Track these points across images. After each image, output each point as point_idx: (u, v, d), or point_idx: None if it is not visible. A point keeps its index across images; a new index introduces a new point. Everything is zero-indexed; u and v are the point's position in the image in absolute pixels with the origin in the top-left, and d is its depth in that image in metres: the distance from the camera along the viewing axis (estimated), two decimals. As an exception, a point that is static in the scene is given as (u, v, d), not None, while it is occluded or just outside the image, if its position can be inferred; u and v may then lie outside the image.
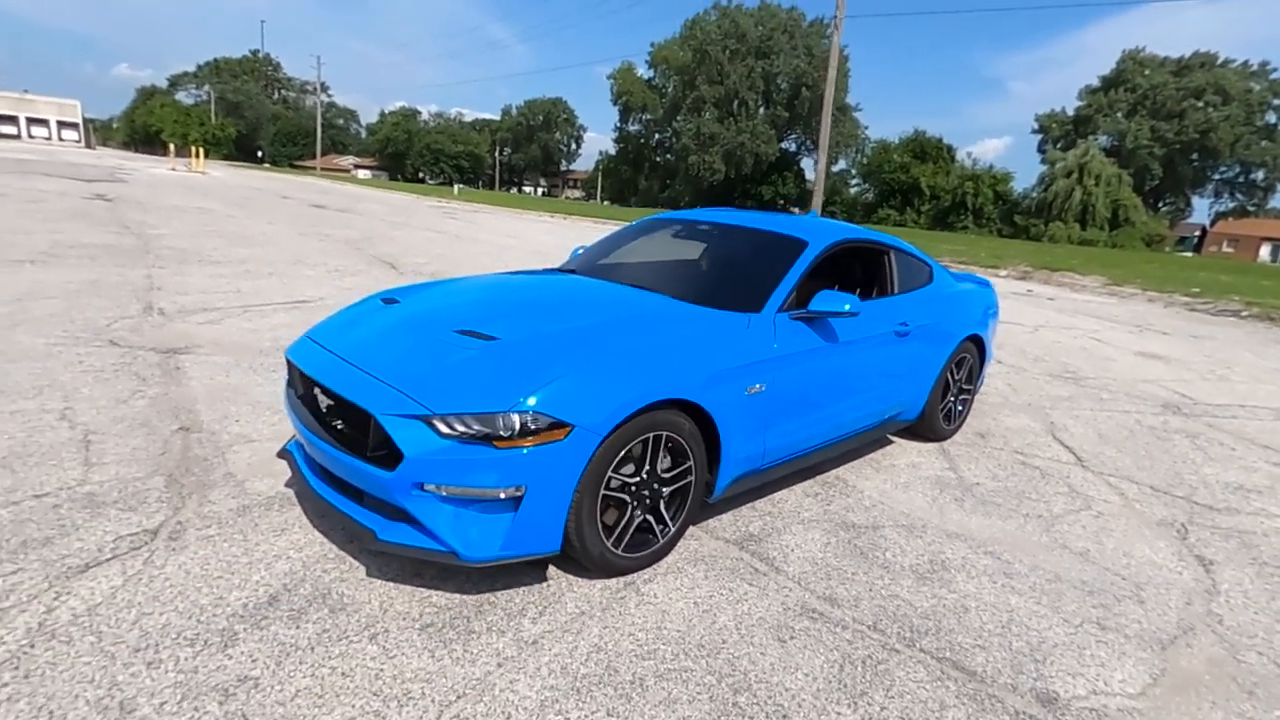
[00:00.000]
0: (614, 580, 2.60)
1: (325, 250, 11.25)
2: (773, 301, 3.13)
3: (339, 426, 2.52)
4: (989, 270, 16.33)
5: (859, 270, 3.96)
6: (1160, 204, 61.31)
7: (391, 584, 2.47)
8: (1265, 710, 2.19)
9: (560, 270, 4.01)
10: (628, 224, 4.40)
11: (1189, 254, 52.60)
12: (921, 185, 52.56)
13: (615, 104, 75.14)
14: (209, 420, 3.82)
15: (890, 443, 4.32)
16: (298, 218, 16.95)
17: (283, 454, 2.98)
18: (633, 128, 76.81)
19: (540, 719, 1.91)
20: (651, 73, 72.21)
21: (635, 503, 2.59)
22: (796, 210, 68.49)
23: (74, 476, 3.04)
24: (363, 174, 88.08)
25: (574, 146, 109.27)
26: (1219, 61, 57.74)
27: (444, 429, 2.24)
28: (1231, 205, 64.26)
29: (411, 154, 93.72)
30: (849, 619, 2.48)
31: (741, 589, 2.61)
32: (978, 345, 4.50)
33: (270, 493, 3.06)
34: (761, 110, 63.91)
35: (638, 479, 2.57)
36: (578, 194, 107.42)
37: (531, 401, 2.26)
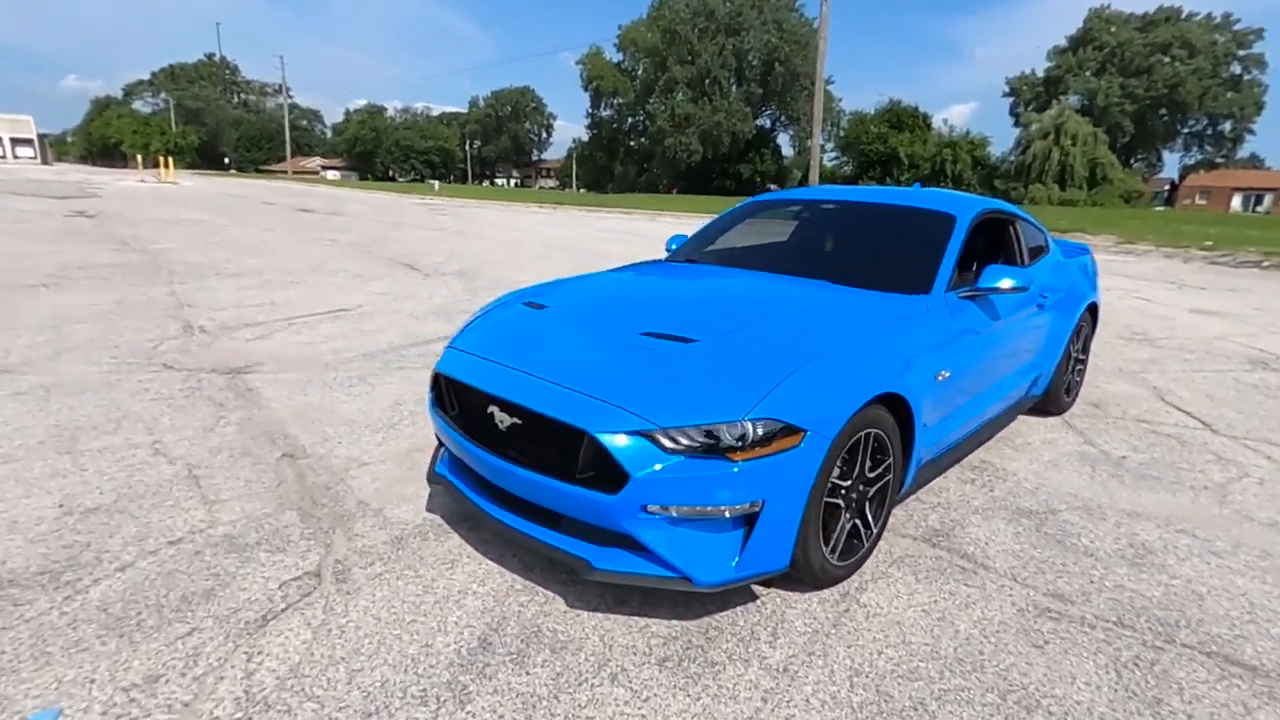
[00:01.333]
0: (826, 593, 2.41)
1: (337, 255, 10.86)
2: (940, 281, 2.95)
3: (529, 447, 2.29)
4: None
5: (984, 241, 3.78)
6: (1132, 160, 61.98)
7: (600, 615, 2.27)
8: None
9: (683, 260, 3.78)
10: (730, 208, 4.17)
11: (1161, 208, 53.27)
12: (900, 155, 52.58)
13: (586, 90, 74.14)
14: (310, 444, 3.57)
15: (1012, 421, 4.17)
16: (292, 223, 16.45)
17: (435, 479, 2.74)
18: (605, 113, 75.91)
19: (839, 759, 1.73)
20: (621, 56, 71.37)
21: (846, 507, 2.40)
22: (774, 186, 68.36)
23: (200, 518, 2.79)
24: (331, 174, 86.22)
25: (545, 135, 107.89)
26: (1183, 15, 58.26)
27: (669, 444, 2.03)
28: (1200, 158, 65.26)
29: (380, 152, 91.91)
30: (1090, 616, 2.32)
31: (962, 591, 2.44)
32: (1092, 314, 4.36)
33: (417, 520, 2.83)
34: (735, 88, 63.46)
35: (848, 482, 2.38)
36: (552, 183, 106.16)
37: (763, 407, 2.05)
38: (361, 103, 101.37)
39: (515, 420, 2.28)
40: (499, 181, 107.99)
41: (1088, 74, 59.94)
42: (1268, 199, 55.31)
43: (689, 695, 1.92)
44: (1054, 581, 2.51)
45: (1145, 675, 2.04)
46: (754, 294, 2.98)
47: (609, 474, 2.06)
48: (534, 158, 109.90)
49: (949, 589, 2.45)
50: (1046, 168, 46.15)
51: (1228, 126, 60.16)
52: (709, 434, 2.03)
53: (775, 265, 3.34)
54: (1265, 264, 11.92)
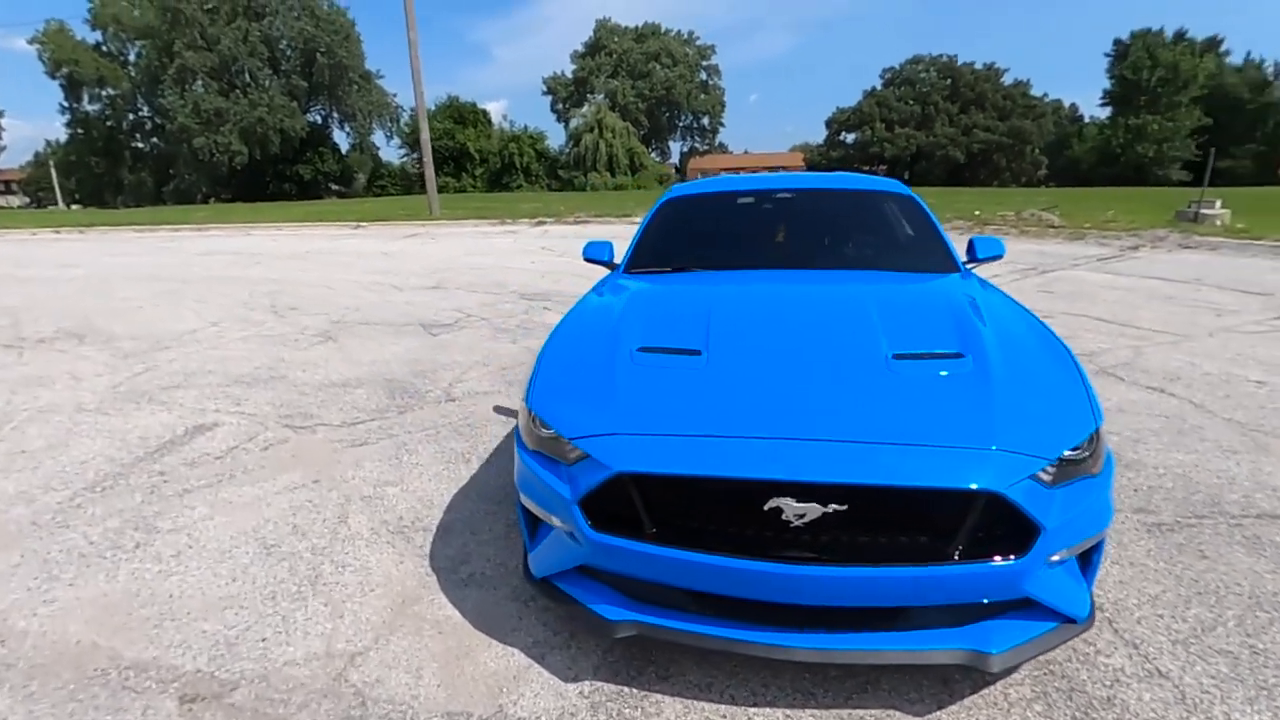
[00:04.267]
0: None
1: None
2: (957, 258, 3.09)
3: (854, 538, 1.68)
4: (624, 218, 17.97)
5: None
6: (650, 149, 74.72)
7: (957, 707, 1.83)
8: None
9: (671, 269, 3.14)
10: (651, 211, 3.60)
11: (678, 187, 65.39)
12: (470, 150, 53.74)
13: (55, 77, 57.20)
14: (209, 665, 2.07)
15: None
16: None
17: (620, 629, 1.84)
18: (91, 107, 59.88)
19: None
20: (100, 36, 56.79)
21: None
22: (338, 189, 63.28)
23: None
24: None
25: (-12, 137, 80.00)
26: (663, 30, 71.86)
27: (1047, 479, 1.72)
28: (692, 146, 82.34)
29: None
30: (1247, 516, 2.76)
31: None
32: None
33: (571, 702, 1.88)
34: (273, 80, 56.24)
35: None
36: (17, 200, 79.87)
37: (1096, 411, 1.89)
38: None
39: (833, 508, 1.66)
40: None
41: (605, 76, 69.73)
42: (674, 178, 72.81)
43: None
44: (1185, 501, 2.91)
45: (1270, 548, 2.53)
46: (864, 297, 2.62)
47: (1010, 533, 1.66)
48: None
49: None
50: (597, 158, 52.59)
51: (706, 121, 76.88)
52: (1075, 453, 1.78)
53: (795, 260, 3.08)
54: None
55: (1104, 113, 55.59)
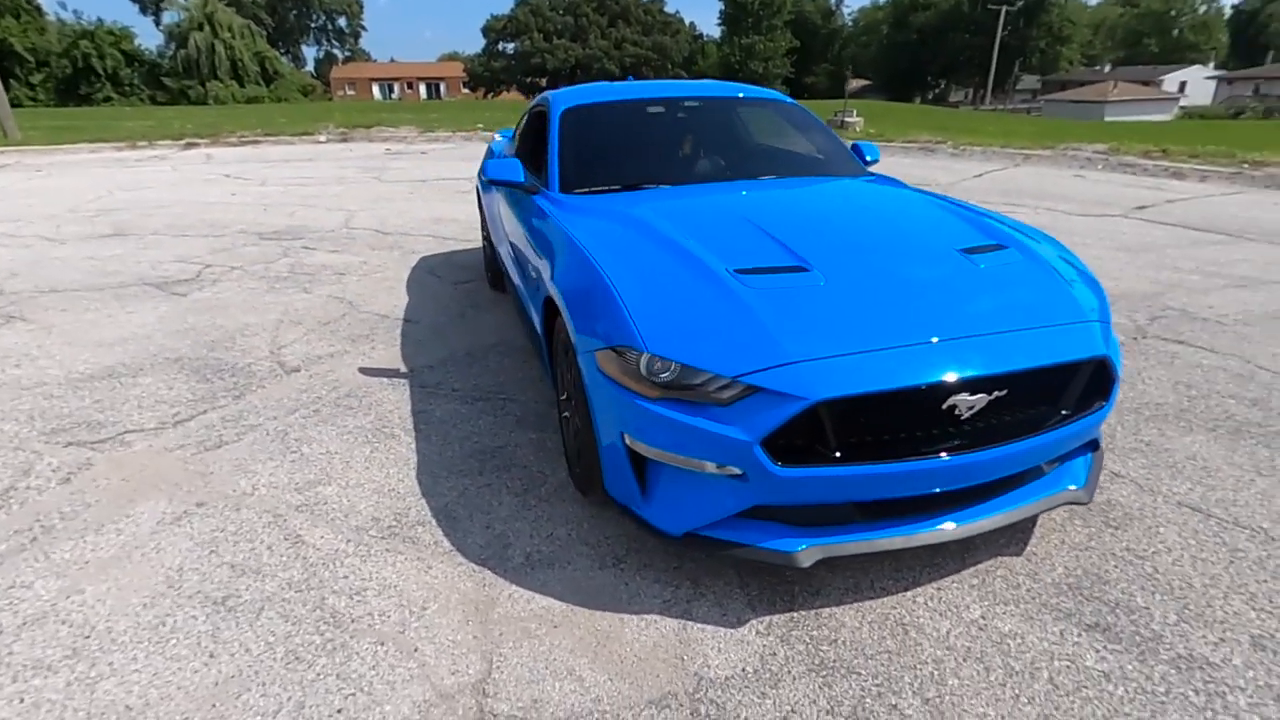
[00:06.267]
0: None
1: None
2: (858, 160, 3.36)
3: (1001, 418, 1.86)
4: (303, 137, 15.29)
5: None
6: (281, 54, 64.03)
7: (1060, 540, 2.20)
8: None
9: (610, 188, 2.89)
10: (555, 122, 3.11)
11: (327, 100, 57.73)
12: (16, 48, 39.92)
13: None
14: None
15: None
16: None
17: (802, 557, 1.80)
18: None
19: None
20: None
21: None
22: None
23: None
24: None
25: None
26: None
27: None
28: (325, 52, 72.42)
29: None
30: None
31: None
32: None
33: (758, 644, 1.83)
34: None
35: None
36: None
37: (1083, 270, 2.37)
38: None
39: (997, 393, 1.81)
40: None
41: (203, -40, 56.69)
42: (396, 88, 66.84)
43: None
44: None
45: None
46: (859, 194, 2.85)
47: (1099, 386, 2.00)
48: None
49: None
50: (216, 63, 43.40)
51: (344, 23, 68.18)
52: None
53: (745, 170, 3.09)
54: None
55: (719, 33, 63.06)
